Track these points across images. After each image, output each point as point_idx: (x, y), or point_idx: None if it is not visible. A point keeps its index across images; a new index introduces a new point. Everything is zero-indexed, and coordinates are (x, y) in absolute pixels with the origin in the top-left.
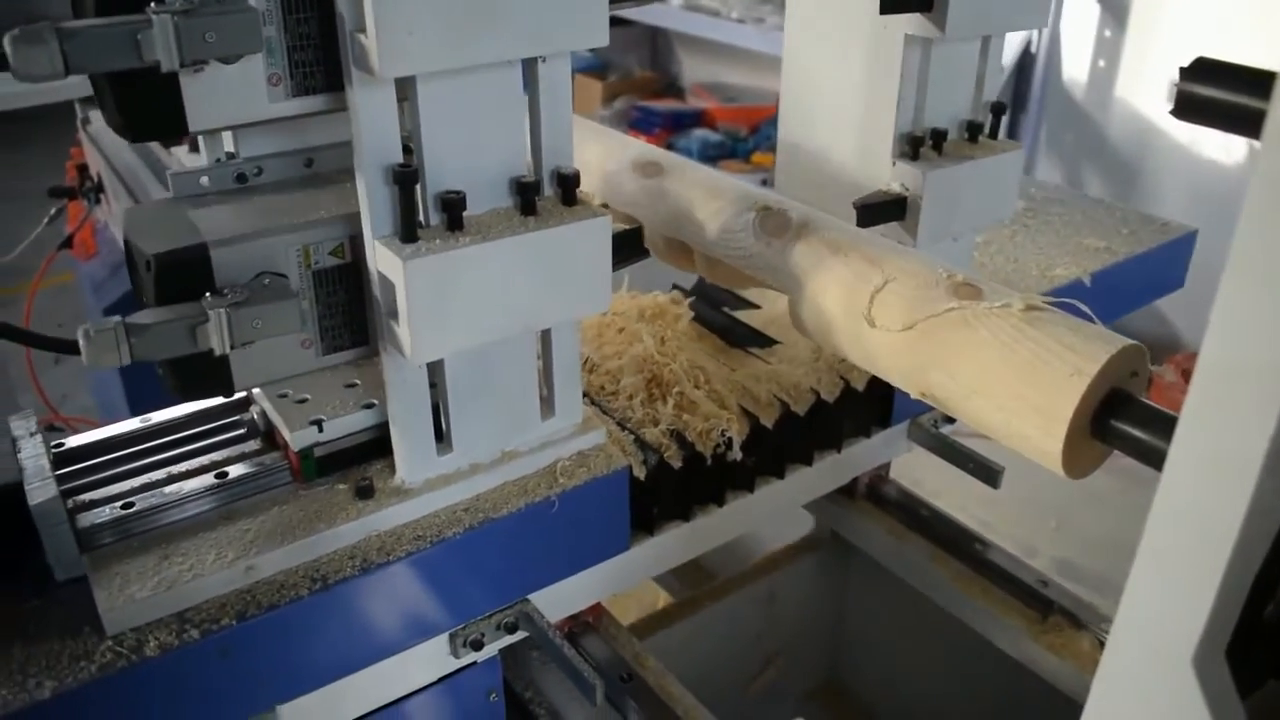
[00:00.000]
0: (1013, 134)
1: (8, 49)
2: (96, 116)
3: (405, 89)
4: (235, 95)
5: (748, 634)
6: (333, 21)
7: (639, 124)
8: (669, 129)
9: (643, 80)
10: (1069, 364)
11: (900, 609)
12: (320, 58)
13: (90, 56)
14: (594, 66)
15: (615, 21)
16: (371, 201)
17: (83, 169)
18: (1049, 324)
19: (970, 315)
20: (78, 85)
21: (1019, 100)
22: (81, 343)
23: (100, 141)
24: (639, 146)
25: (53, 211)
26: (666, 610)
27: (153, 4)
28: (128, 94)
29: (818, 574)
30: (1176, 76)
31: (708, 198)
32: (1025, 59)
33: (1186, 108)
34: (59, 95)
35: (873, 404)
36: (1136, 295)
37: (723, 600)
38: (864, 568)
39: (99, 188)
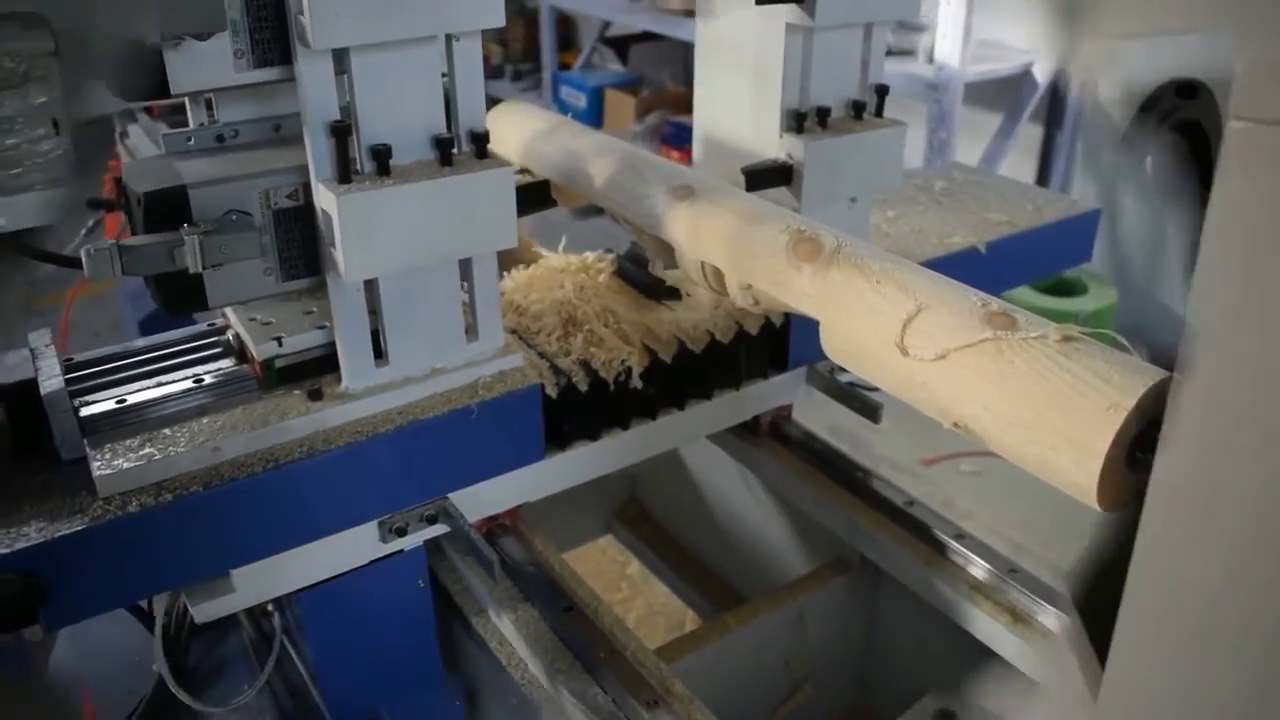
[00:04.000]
0: (1047, 151)
1: None
2: (135, 130)
3: (343, 62)
4: (208, 65)
5: (776, 658)
6: (283, 6)
7: (672, 139)
8: None
9: (676, 95)
10: (1106, 397)
11: (930, 635)
12: (275, 36)
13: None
14: (628, 81)
15: (649, 37)
16: (314, 150)
17: (120, 181)
18: (1085, 355)
19: (1005, 345)
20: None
21: (1054, 118)
22: (84, 259)
23: (138, 155)
24: (670, 167)
25: (90, 222)
26: (694, 633)
27: None
28: (121, 62)
29: (847, 597)
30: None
31: (738, 222)
32: (1061, 76)
33: None
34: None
35: (767, 348)
36: (1035, 265)
37: (751, 623)
38: (893, 592)
39: None
